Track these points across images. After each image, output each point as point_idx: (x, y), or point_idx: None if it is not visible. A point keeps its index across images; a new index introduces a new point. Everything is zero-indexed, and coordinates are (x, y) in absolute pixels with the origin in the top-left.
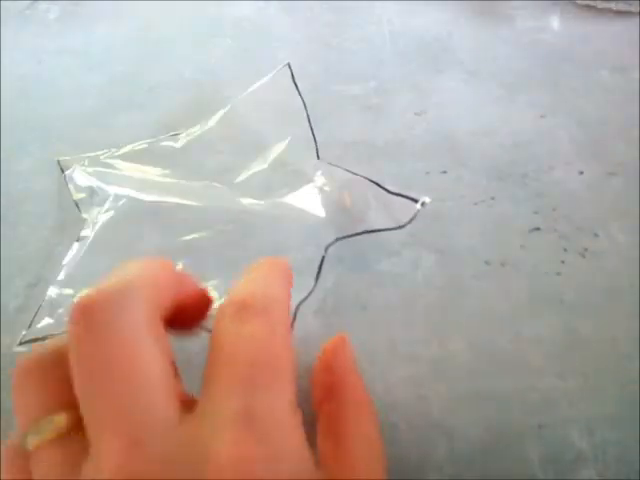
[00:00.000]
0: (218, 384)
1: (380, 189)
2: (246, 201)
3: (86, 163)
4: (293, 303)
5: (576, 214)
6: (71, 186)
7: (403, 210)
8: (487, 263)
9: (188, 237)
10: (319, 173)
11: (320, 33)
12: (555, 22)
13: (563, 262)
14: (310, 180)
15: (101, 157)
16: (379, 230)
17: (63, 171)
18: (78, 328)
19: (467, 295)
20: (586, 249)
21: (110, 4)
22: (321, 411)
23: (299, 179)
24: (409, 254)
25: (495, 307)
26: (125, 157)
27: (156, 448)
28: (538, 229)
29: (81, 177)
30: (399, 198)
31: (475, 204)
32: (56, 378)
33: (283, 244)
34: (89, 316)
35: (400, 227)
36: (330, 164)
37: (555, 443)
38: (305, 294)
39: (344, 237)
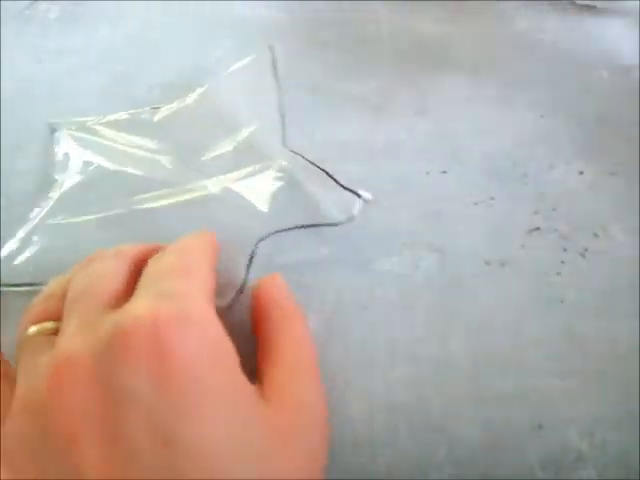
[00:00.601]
0: (139, 283)
1: (334, 182)
2: (208, 182)
3: (74, 128)
4: (230, 292)
5: (576, 214)
6: (56, 148)
7: (349, 205)
8: (487, 263)
9: (144, 206)
10: (281, 160)
11: (320, 33)
12: (555, 22)
13: (563, 262)
14: (271, 166)
15: (88, 123)
16: (318, 225)
17: (53, 132)
18: (80, 268)
19: (467, 295)
20: (586, 249)
21: (111, 4)
22: (256, 332)
23: (262, 164)
24: (409, 254)
25: (495, 307)
26: (108, 125)
27: (95, 324)
28: (538, 229)
29: (64, 141)
30: (349, 194)
31: (475, 204)
32: (49, 305)
33: (235, 232)
34: (89, 261)
35: (339, 223)
36: (293, 152)
37: (555, 443)
38: (236, 290)
39: (280, 230)
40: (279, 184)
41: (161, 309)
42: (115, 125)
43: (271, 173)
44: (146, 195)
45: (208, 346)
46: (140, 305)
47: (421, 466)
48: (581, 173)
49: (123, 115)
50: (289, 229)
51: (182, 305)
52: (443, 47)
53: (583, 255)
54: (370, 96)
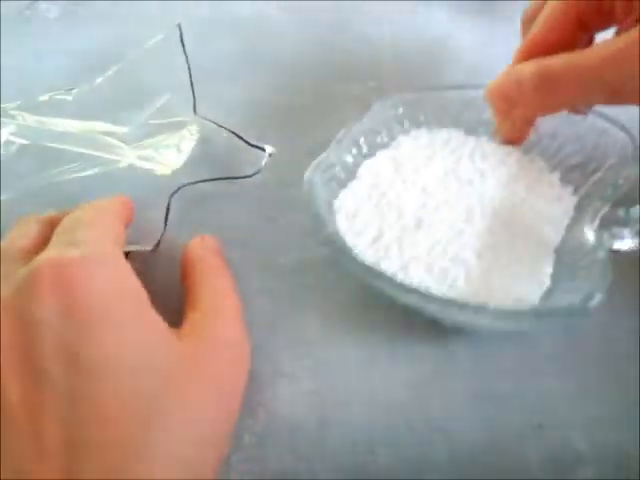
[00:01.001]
0: (53, 236)
1: (242, 142)
2: (125, 151)
3: None
4: (152, 241)
5: None
6: None
7: (257, 160)
8: None
9: (65, 178)
10: (191, 126)
11: (320, 33)
12: None
13: None
14: (183, 132)
15: (6, 109)
16: (228, 178)
17: None
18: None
19: None
20: None
21: (110, 4)
22: (183, 284)
23: (175, 131)
24: None
25: None
26: (26, 109)
27: (14, 273)
28: None
29: None
30: (258, 151)
31: None
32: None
33: (151, 193)
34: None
35: (249, 176)
36: (204, 118)
37: (555, 444)
38: (158, 238)
39: (190, 183)
40: (192, 146)
41: (68, 252)
42: (33, 108)
43: (184, 137)
44: (66, 168)
45: (112, 280)
46: (50, 251)
47: (421, 466)
48: None
49: (40, 98)
50: (198, 182)
51: (88, 249)
52: (443, 47)
53: None
54: (370, 96)
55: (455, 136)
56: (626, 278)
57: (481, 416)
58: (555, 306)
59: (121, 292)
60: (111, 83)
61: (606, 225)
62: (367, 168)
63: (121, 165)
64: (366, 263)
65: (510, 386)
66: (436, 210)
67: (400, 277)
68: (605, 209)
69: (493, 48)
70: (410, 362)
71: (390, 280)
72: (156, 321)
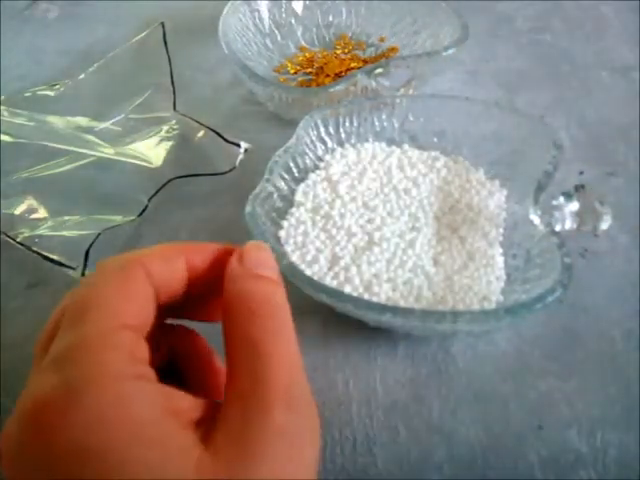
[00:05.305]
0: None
1: (219, 138)
2: (105, 147)
3: None
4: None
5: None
6: None
7: (233, 157)
8: None
9: (46, 173)
10: (172, 122)
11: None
12: (555, 22)
13: None
14: (163, 128)
15: None
16: (204, 174)
17: None
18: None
19: None
20: (586, 249)
21: (110, 4)
22: (225, 331)
23: (155, 126)
24: None
25: None
26: (9, 103)
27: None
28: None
29: None
30: (235, 148)
31: None
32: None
33: (126, 188)
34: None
35: (224, 173)
36: (183, 115)
37: (555, 444)
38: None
39: (170, 180)
40: (170, 143)
41: (44, 393)
42: (16, 103)
43: (163, 134)
44: (48, 163)
45: (99, 419)
46: (31, 386)
47: (420, 466)
48: (581, 173)
49: (24, 93)
50: (177, 178)
51: (70, 375)
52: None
53: (583, 255)
54: None
55: (380, 148)
56: (626, 278)
57: (481, 416)
58: (528, 298)
59: (116, 425)
60: (93, 79)
61: (547, 211)
62: (303, 193)
63: (98, 162)
64: (335, 290)
65: (510, 386)
66: (383, 224)
67: (366, 297)
68: (542, 196)
69: (493, 48)
70: (410, 362)
71: (369, 304)
72: (172, 453)
